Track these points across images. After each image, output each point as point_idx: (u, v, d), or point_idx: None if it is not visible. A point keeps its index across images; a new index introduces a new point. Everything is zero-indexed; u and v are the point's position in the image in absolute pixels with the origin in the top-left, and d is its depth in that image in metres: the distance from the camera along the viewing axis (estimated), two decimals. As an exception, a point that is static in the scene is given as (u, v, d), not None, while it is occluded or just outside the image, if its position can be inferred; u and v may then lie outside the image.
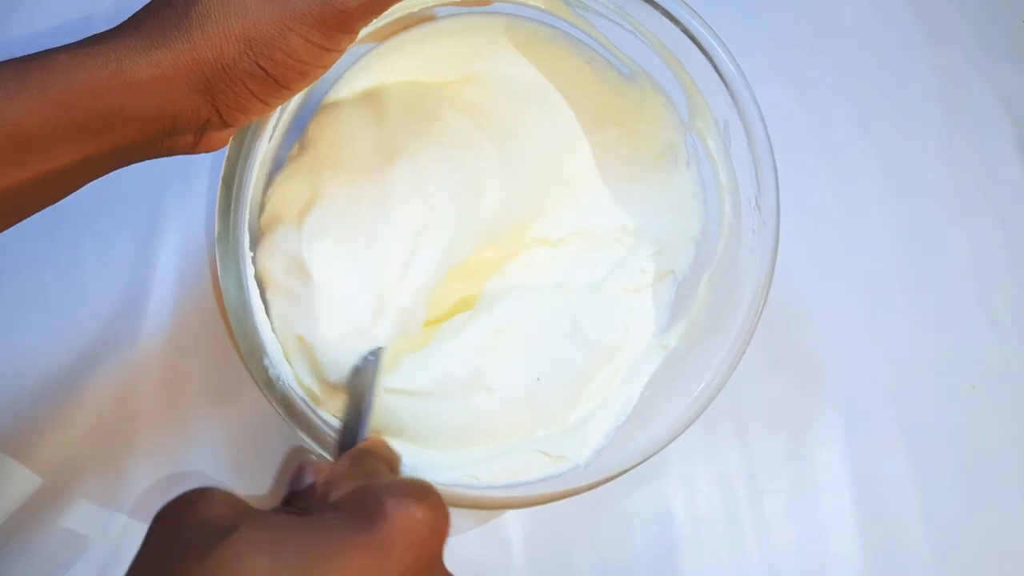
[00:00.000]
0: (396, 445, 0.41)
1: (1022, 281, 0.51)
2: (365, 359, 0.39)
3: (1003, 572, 0.47)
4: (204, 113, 0.31)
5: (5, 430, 0.43)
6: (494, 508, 0.40)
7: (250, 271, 0.38)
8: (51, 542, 0.42)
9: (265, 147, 0.38)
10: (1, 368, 0.44)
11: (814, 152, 0.51)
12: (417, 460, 0.40)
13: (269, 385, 0.37)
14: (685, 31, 0.40)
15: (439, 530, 0.26)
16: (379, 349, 0.40)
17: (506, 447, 0.41)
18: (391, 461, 0.33)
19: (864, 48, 0.53)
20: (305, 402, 0.38)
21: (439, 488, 0.27)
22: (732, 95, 0.40)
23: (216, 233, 0.37)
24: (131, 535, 0.43)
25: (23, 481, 0.42)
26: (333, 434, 0.38)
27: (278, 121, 0.39)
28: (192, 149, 0.33)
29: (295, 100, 0.40)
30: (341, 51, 0.32)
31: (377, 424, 0.41)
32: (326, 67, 0.32)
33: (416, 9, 0.42)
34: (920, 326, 0.50)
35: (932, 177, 0.52)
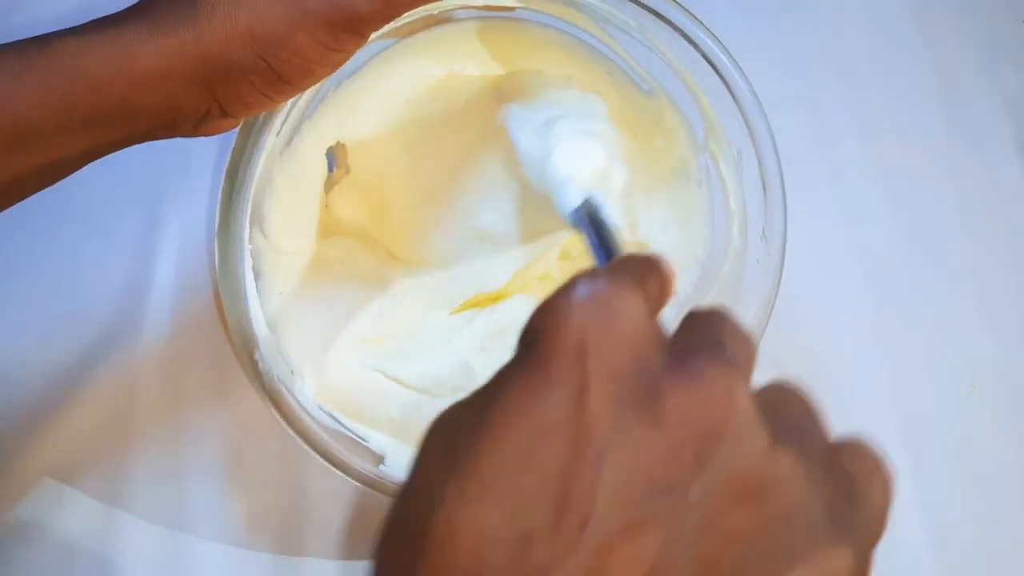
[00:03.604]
0: (381, 440, 0.41)
1: (1022, 281, 0.51)
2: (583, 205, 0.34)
3: (1003, 572, 0.47)
4: (205, 105, 0.31)
5: (5, 430, 0.43)
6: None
7: (248, 263, 0.38)
8: (51, 542, 0.42)
9: (272, 141, 0.38)
10: (1, 367, 0.43)
11: (812, 151, 0.51)
12: (402, 458, 0.40)
13: (258, 379, 0.37)
14: (705, 57, 0.39)
15: (615, 315, 0.18)
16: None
17: None
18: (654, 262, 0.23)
19: (862, 47, 0.53)
20: (294, 396, 0.38)
21: None
22: (748, 127, 0.40)
23: (216, 226, 0.37)
24: (131, 535, 0.42)
25: (23, 481, 0.42)
26: (322, 432, 0.38)
27: (287, 116, 0.39)
28: (191, 134, 0.33)
29: (305, 95, 0.40)
30: (349, 53, 0.32)
31: (367, 410, 0.41)
32: (333, 67, 0.32)
33: (436, 12, 0.42)
34: (920, 326, 0.49)
35: (932, 178, 0.52)
